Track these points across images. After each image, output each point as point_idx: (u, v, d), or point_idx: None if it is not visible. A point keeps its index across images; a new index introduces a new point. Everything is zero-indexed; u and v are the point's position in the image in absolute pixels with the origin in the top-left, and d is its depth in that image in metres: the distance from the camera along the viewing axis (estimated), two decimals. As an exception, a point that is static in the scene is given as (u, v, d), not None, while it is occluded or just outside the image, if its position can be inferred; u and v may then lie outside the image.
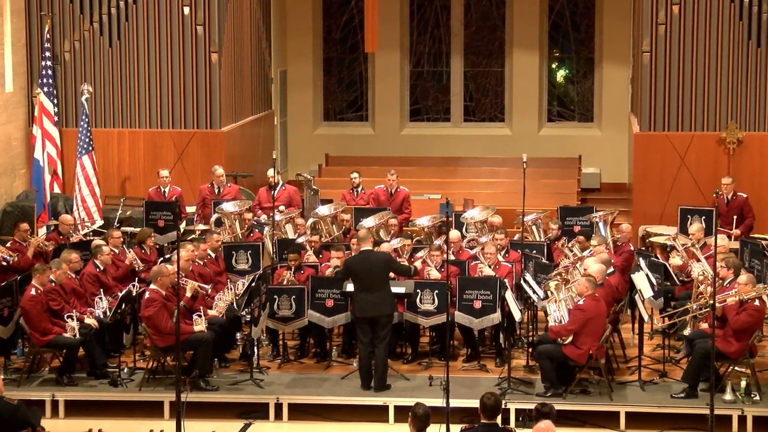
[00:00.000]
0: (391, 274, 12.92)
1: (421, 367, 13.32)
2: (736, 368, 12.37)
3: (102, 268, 13.83)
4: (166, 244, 15.84)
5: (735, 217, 16.03)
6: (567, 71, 23.36)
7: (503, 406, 11.51)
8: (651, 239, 16.43)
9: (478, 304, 13.09)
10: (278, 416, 12.41)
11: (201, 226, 16.16)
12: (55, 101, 17.90)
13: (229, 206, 15.74)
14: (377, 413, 12.34)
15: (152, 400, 12.54)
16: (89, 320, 12.99)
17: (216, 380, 12.82)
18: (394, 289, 12.91)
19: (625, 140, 21.56)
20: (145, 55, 18.40)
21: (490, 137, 22.96)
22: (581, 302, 12.25)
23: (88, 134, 17.33)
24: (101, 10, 18.41)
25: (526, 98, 22.92)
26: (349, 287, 12.88)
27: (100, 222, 16.90)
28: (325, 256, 14.40)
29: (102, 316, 13.20)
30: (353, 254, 13.58)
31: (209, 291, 13.38)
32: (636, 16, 19.63)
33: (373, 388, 12.56)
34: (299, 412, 12.45)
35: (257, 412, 12.43)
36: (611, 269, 13.35)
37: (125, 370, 13.03)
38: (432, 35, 23.35)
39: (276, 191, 16.11)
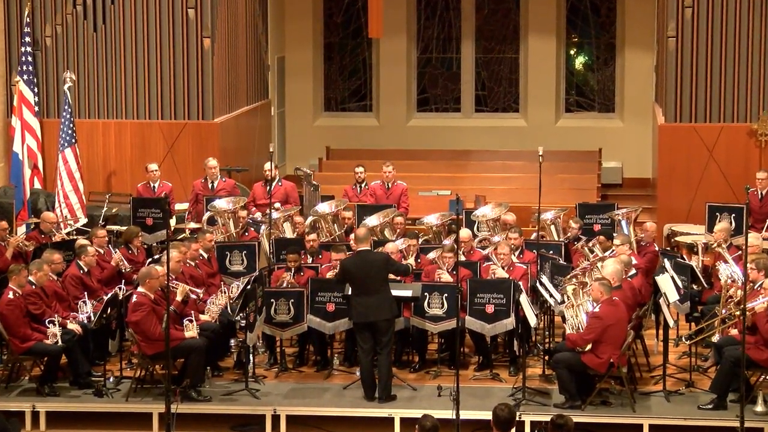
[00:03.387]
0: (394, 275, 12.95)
1: (429, 376, 13.33)
2: (767, 378, 12.37)
3: (86, 269, 13.84)
4: (154, 244, 15.86)
5: (768, 220, 16.05)
6: (586, 58, 23.36)
7: (518, 418, 11.48)
8: (677, 239, 16.42)
9: (490, 309, 13.09)
10: (275, 429, 12.42)
11: (192, 225, 16.17)
12: (36, 90, 17.92)
13: (222, 203, 15.74)
14: (382, 426, 12.34)
15: (140, 411, 12.54)
16: (72, 326, 13.00)
17: (208, 390, 12.82)
18: (401, 292, 12.92)
19: (648, 132, 21.57)
20: (132, 40, 18.42)
21: (503, 129, 22.97)
22: (597, 309, 12.23)
23: (71, 125, 17.36)
24: (85, -8, 18.48)
25: (543, 87, 22.91)
26: (350, 290, 12.88)
27: (83, 220, 16.93)
28: (326, 256, 14.40)
29: (86, 322, 13.20)
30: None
31: (201, 294, 13.39)
32: (661, -2, 19.64)
33: (378, 398, 12.56)
34: (298, 424, 12.46)
35: (253, 424, 12.44)
36: (633, 271, 13.35)
37: (111, 380, 13.05)
38: (441, 19, 23.36)
39: (272, 187, 16.10)
